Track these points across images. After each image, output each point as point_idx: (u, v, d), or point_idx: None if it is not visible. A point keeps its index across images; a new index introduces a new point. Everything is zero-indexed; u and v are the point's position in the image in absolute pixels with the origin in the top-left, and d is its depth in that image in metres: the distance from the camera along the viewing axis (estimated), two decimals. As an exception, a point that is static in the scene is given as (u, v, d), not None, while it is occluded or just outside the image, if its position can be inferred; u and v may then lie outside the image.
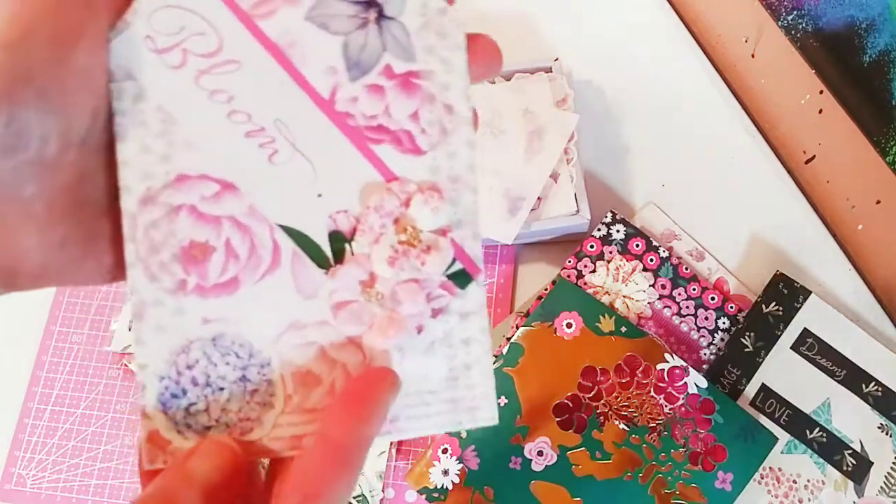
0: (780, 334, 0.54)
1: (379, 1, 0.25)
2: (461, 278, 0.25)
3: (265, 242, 0.24)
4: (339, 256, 0.25)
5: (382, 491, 0.53)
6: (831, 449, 0.52)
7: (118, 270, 0.24)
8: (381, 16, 0.25)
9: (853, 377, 0.53)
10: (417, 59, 0.25)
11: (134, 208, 0.24)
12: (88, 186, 0.23)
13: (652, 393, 0.52)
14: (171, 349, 0.24)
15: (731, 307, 0.56)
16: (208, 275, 0.24)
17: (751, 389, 0.53)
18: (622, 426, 0.51)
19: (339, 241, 0.25)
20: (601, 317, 0.53)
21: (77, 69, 0.22)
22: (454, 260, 0.25)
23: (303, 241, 0.25)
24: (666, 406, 0.51)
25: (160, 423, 0.24)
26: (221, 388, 0.24)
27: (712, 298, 0.56)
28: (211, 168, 0.24)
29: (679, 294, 0.56)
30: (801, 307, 0.55)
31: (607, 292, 0.56)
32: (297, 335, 0.25)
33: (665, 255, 0.57)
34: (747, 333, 0.54)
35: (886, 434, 0.52)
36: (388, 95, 0.25)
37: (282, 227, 0.24)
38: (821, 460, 0.52)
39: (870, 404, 0.53)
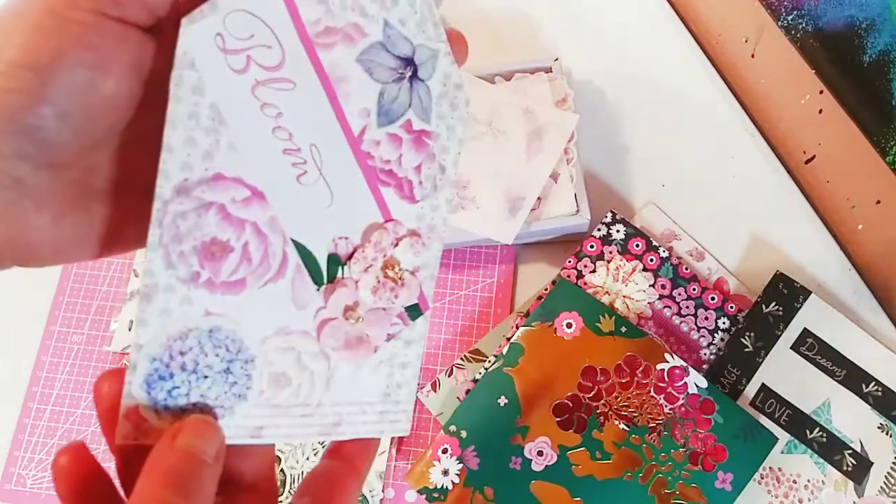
0: (780, 334, 0.54)
1: (416, 62, 0.27)
2: (414, 311, 0.29)
3: (276, 253, 0.26)
4: (332, 277, 0.27)
5: (382, 491, 0.53)
6: (831, 449, 0.52)
7: (107, 248, 0.26)
8: (414, 75, 0.28)
9: (853, 377, 0.53)
10: (431, 122, 0.28)
11: (168, 195, 0.24)
12: (95, 177, 0.25)
13: (652, 393, 0.52)
14: (169, 334, 0.25)
15: (731, 307, 0.56)
16: (220, 272, 0.25)
17: (751, 389, 0.53)
18: (622, 426, 0.51)
19: (336, 263, 0.27)
20: (601, 317, 0.53)
21: (102, 97, 0.23)
22: None
23: (307, 258, 0.27)
24: (666, 406, 0.51)
25: (141, 401, 0.25)
26: (206, 377, 0.25)
27: (712, 298, 0.56)
28: (247, 174, 0.25)
29: (679, 294, 0.56)
30: (801, 307, 0.55)
31: (607, 292, 0.56)
32: (283, 340, 0.27)
33: (665, 255, 0.57)
34: (747, 333, 0.54)
35: (886, 434, 0.52)
36: (403, 146, 0.28)
37: (294, 241, 0.26)
38: (821, 460, 0.52)
39: (870, 404, 0.53)
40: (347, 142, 0.27)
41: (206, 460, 0.23)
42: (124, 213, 0.26)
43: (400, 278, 0.29)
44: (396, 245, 0.28)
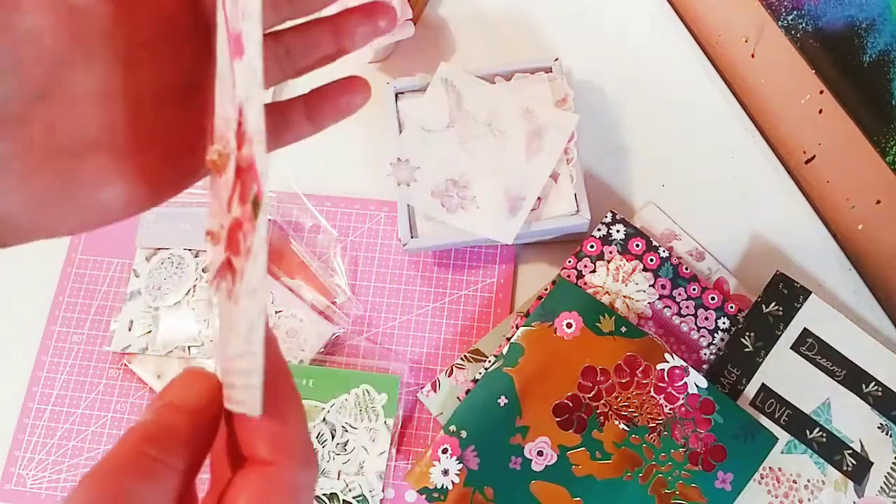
0: (780, 334, 0.54)
1: None
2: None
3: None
4: None
5: (382, 491, 0.53)
6: (831, 449, 0.52)
7: (92, 216, 0.25)
8: None
9: (853, 377, 0.53)
10: None
11: None
12: (59, 137, 0.24)
13: (652, 393, 0.52)
14: None
15: (731, 307, 0.56)
16: None
17: (751, 389, 0.53)
18: (622, 426, 0.51)
19: None
20: (601, 317, 0.53)
21: (23, 31, 0.22)
22: None
23: None
24: (666, 406, 0.51)
25: None
26: None
27: (712, 298, 0.56)
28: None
29: (679, 294, 0.56)
30: (801, 307, 0.55)
31: (607, 292, 0.56)
32: None
33: (665, 255, 0.57)
34: (747, 333, 0.54)
35: (886, 434, 0.52)
36: None
37: None
38: (821, 460, 0.52)
39: (870, 404, 0.53)
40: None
41: (183, 406, 0.23)
42: (102, 176, 0.25)
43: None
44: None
